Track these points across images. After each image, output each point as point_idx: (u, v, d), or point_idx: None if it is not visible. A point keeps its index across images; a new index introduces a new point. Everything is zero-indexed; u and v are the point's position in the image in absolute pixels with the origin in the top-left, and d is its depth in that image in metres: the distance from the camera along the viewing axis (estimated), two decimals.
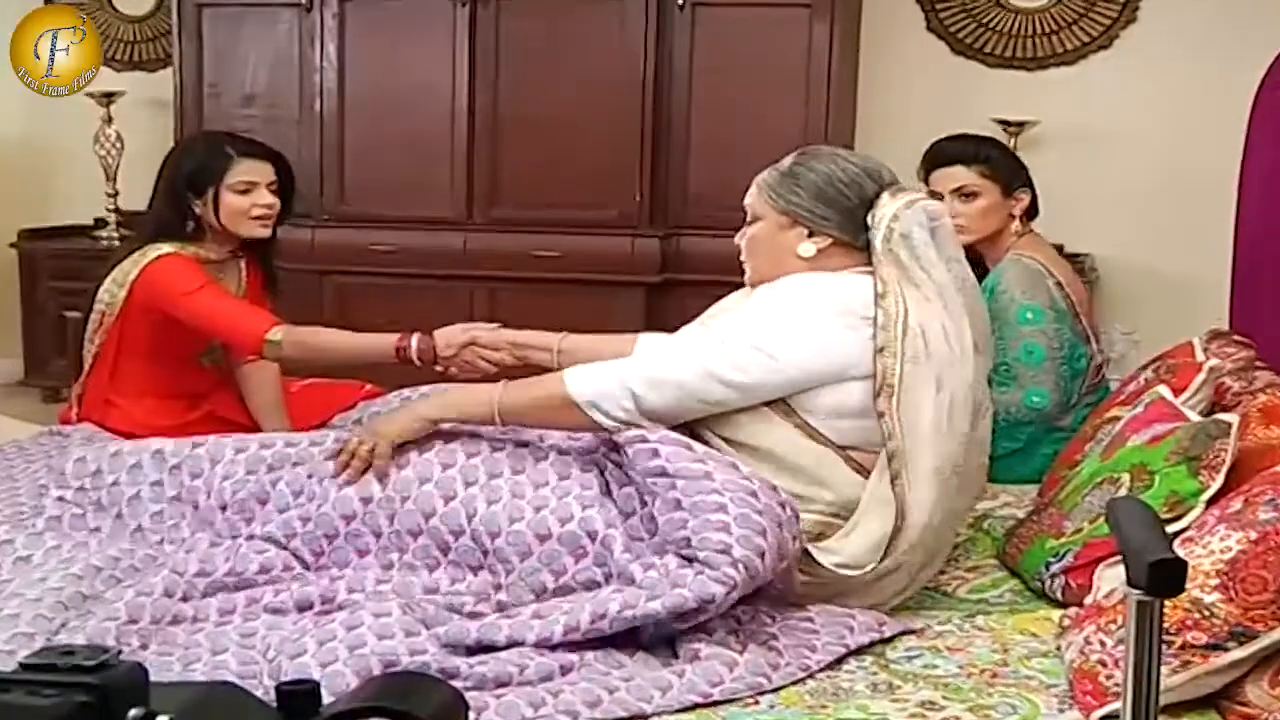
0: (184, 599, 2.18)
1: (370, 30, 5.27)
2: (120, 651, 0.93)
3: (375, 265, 5.21)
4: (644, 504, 2.22)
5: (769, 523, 2.11)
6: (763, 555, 2.08)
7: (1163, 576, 1.36)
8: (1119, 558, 2.31)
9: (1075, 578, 2.33)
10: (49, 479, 2.63)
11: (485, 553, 2.23)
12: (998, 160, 3.35)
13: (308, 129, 5.30)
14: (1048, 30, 5.27)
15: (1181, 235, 5.03)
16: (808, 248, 2.43)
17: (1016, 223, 3.33)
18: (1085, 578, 2.31)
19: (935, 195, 3.32)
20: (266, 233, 3.29)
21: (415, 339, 2.97)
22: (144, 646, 2.05)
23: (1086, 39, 5.22)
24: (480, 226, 5.18)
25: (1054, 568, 2.37)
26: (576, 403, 2.29)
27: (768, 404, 2.33)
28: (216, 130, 3.46)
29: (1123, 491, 2.39)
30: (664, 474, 2.17)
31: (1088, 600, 2.27)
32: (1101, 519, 2.37)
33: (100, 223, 5.87)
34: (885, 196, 2.41)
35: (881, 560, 2.26)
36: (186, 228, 3.24)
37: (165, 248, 3.21)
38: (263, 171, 3.27)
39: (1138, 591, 1.37)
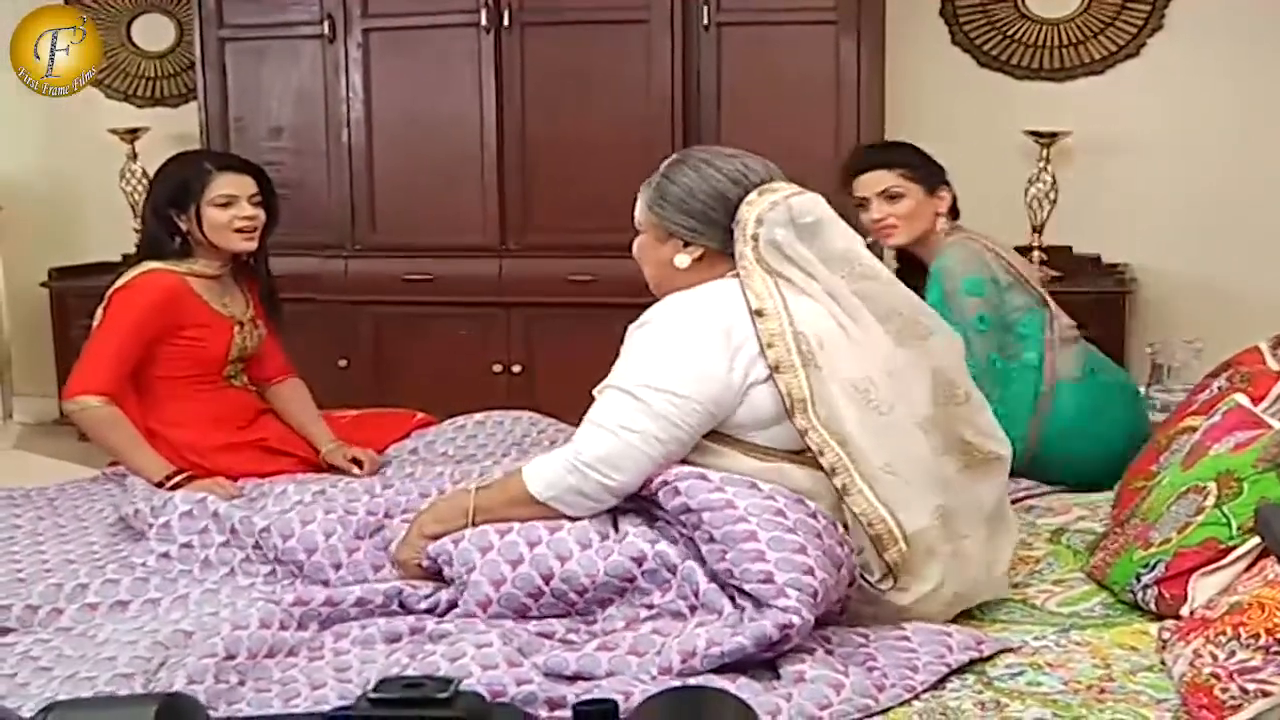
0: (282, 628, 2.16)
1: (395, 59, 5.25)
2: (461, 681, 0.92)
3: (410, 294, 5.18)
4: (681, 534, 2.21)
5: (805, 537, 2.09)
6: (810, 571, 2.06)
7: None
8: (1212, 566, 2.32)
9: (1168, 588, 2.31)
10: (149, 529, 2.62)
11: (571, 604, 2.21)
12: (916, 162, 3.45)
13: (336, 160, 5.28)
14: (1074, 41, 5.25)
15: (1220, 242, 5.01)
16: (683, 259, 2.40)
17: (943, 220, 3.43)
18: (1179, 588, 2.29)
19: (860, 202, 3.44)
20: (251, 245, 3.34)
21: (180, 477, 3.06)
22: (241, 683, 2.02)
23: (1114, 48, 5.20)
24: (514, 253, 5.15)
25: (1145, 579, 2.35)
26: (540, 500, 2.26)
27: (706, 438, 2.29)
28: (195, 149, 3.52)
29: (1210, 500, 2.37)
30: (689, 510, 2.16)
31: (1183, 611, 2.26)
32: (1190, 528, 2.35)
33: (129, 259, 5.84)
34: (752, 195, 2.35)
35: (896, 579, 2.23)
36: (175, 245, 3.30)
37: (150, 265, 3.29)
38: (242, 184, 3.31)
39: None
